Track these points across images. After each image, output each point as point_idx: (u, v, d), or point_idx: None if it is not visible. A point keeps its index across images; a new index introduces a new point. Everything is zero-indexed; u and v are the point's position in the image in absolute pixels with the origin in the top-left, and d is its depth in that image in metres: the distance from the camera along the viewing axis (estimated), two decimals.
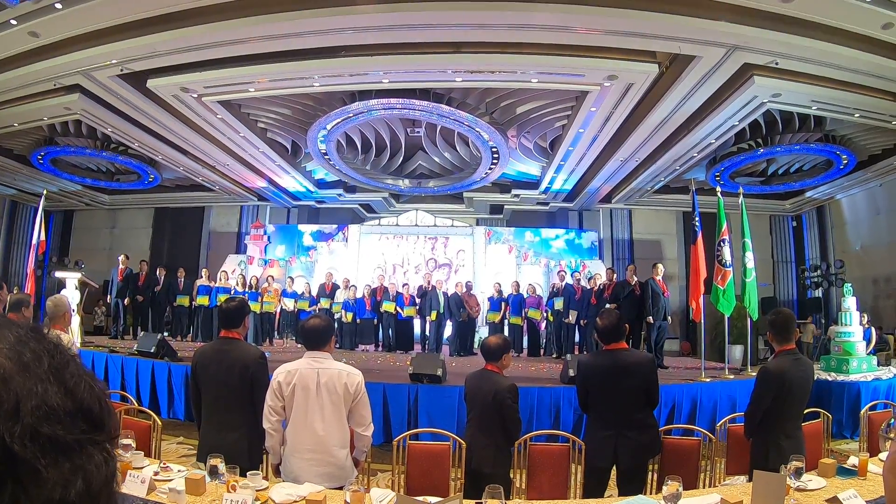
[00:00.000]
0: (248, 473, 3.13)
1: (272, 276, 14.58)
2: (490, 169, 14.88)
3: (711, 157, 13.68)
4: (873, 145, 12.83)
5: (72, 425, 0.60)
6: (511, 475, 4.12)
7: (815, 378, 5.16)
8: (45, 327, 0.71)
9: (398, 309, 13.18)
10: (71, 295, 9.99)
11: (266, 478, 3.47)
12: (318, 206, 19.44)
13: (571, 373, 7.18)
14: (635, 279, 10.70)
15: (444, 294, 13.21)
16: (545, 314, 12.89)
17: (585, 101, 10.73)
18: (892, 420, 4.09)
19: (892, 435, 3.53)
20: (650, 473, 4.13)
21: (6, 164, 14.96)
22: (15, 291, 10.21)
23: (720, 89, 9.90)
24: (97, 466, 0.62)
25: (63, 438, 0.59)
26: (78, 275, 10.91)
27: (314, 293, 13.99)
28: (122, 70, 9.56)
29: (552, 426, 6.80)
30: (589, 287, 12.10)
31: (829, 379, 8.49)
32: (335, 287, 13.89)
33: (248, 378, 3.76)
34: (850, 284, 9.81)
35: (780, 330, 4.07)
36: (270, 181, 16.68)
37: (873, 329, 11.20)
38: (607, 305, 9.76)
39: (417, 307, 13.24)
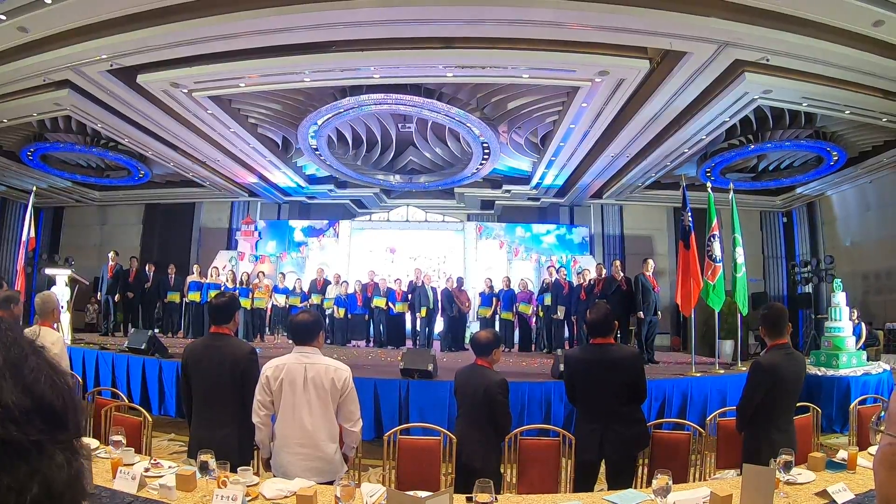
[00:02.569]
0: (238, 469, 3.11)
1: (263, 272, 14.52)
2: (481, 164, 14.90)
3: (702, 152, 13.74)
4: (863, 142, 12.90)
5: (29, 425, 0.57)
6: (501, 470, 4.12)
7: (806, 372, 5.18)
8: (19, 320, 0.66)
9: (389, 304, 13.16)
10: (60, 292, 9.97)
11: (257, 473, 3.46)
12: (309, 201, 19.39)
13: (562, 368, 7.18)
14: (621, 274, 10.72)
15: (434, 290, 13.23)
16: (535, 309, 12.91)
17: (576, 97, 10.74)
18: (883, 412, 4.11)
19: (882, 427, 3.55)
20: (640, 467, 4.14)
21: None
22: (3, 288, 10.15)
23: (711, 85, 9.92)
24: (58, 467, 0.58)
25: (18, 440, 0.55)
26: (68, 271, 10.87)
27: (305, 289, 13.96)
28: (111, 65, 9.49)
29: (543, 421, 6.80)
30: (577, 283, 12.12)
31: (819, 374, 8.54)
32: (326, 283, 13.86)
33: (239, 374, 3.75)
34: (839, 280, 9.85)
35: (772, 324, 4.07)
36: (261, 177, 16.62)
37: (863, 324, 11.29)
38: (597, 301, 9.77)
39: (409, 303, 13.24)
